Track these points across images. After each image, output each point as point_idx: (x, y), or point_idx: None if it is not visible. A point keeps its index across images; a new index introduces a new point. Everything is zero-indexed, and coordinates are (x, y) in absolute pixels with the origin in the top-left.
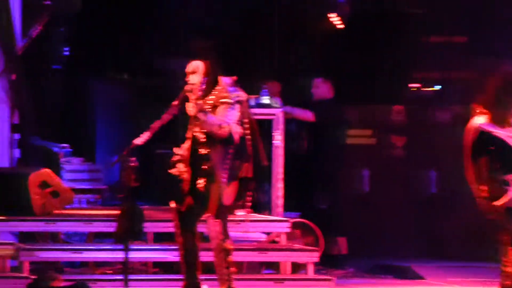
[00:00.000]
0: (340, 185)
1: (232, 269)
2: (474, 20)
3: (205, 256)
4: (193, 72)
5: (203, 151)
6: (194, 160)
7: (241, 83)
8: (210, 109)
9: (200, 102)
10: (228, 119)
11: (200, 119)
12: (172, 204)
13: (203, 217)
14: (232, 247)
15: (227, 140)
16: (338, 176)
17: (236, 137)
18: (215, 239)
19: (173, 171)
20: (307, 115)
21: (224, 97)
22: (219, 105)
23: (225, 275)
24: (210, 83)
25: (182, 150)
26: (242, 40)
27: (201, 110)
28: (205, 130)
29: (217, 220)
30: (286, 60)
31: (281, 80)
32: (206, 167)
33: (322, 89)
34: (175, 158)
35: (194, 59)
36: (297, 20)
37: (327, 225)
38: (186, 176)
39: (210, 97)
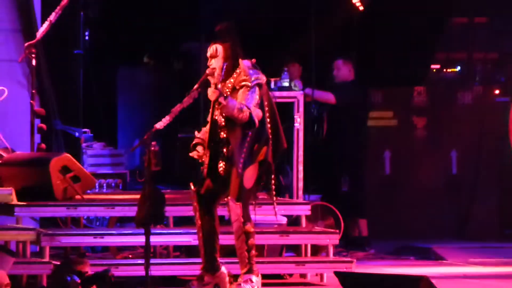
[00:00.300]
0: (362, 167)
1: (253, 252)
2: (496, 1)
3: (226, 240)
4: (214, 56)
5: (222, 134)
6: (214, 143)
7: (261, 66)
8: (230, 93)
9: (220, 86)
10: (248, 103)
11: (220, 103)
12: (192, 187)
13: (224, 200)
14: (253, 230)
15: (248, 123)
16: (360, 159)
17: (256, 120)
18: (236, 222)
19: (192, 154)
20: (329, 97)
21: (244, 80)
22: (238, 88)
23: (246, 258)
24: (230, 66)
25: (202, 134)
26: (262, 22)
27: (221, 94)
28: (226, 114)
29: (237, 203)
30: (308, 42)
31: (302, 62)
32: (225, 150)
33: (343, 71)
34: (195, 141)
35: (214, 42)
36: (317, 2)
37: (348, 208)
38: (205, 159)
39: (230, 80)
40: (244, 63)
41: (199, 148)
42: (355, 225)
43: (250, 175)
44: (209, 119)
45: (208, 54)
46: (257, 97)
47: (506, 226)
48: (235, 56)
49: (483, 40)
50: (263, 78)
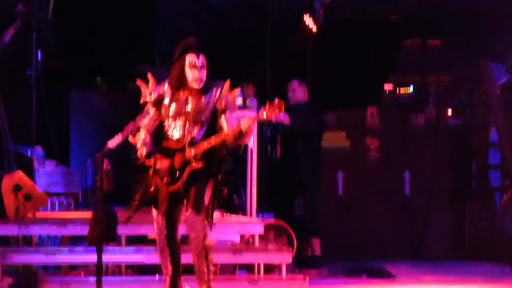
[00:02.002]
0: (316, 190)
1: (212, 267)
2: (449, 24)
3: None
4: (205, 66)
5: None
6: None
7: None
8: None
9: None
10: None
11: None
12: (154, 211)
13: (183, 215)
14: (212, 244)
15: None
16: (314, 181)
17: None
18: (195, 238)
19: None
20: (283, 119)
21: (225, 105)
22: (220, 111)
23: (205, 274)
24: (208, 82)
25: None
26: (217, 43)
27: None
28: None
29: (198, 216)
30: (263, 63)
31: (257, 84)
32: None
33: (298, 92)
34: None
35: (200, 53)
36: (272, 24)
37: (302, 227)
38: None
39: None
40: (227, 85)
41: (161, 157)
42: (307, 244)
43: (207, 190)
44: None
45: (199, 64)
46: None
47: (458, 249)
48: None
49: (437, 62)
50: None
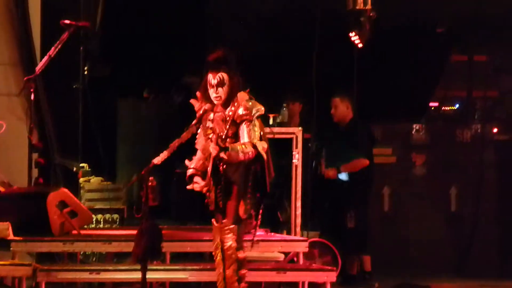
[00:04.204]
0: (367, 204)
1: (244, 284)
2: (496, 39)
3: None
4: (221, 85)
5: (225, 168)
6: (216, 175)
7: (258, 100)
8: (229, 125)
9: (220, 143)
10: (252, 138)
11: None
12: (214, 223)
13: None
14: (245, 258)
15: (254, 159)
16: (366, 194)
17: (264, 154)
18: (228, 249)
19: (192, 186)
20: (362, 163)
21: (244, 115)
22: (239, 123)
23: None
24: (233, 95)
25: (195, 163)
26: (262, 57)
27: (222, 149)
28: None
29: (232, 226)
30: (308, 79)
31: (301, 99)
32: (223, 182)
33: (341, 109)
34: (191, 172)
35: (218, 70)
36: (318, 39)
37: (353, 244)
38: (211, 192)
39: (229, 113)
40: (241, 96)
41: (197, 179)
42: (352, 262)
43: (242, 204)
44: (198, 147)
45: (214, 83)
46: (258, 129)
47: (506, 265)
48: (238, 85)
49: (483, 77)
50: (262, 109)
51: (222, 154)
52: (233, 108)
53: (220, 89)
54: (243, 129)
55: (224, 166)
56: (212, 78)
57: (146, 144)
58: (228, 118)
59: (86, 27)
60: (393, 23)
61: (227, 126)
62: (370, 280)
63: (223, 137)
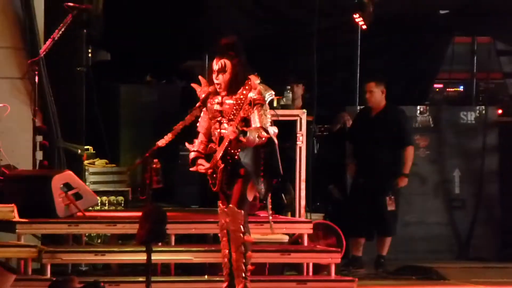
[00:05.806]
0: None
1: (250, 266)
2: (499, 20)
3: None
4: (222, 71)
5: (236, 152)
6: (225, 159)
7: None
8: (247, 107)
9: (239, 126)
10: (265, 123)
11: (241, 141)
12: (220, 205)
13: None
14: (252, 241)
15: (266, 143)
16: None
17: (275, 139)
18: (235, 231)
19: (196, 168)
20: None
21: (258, 99)
22: (253, 105)
23: (243, 271)
24: (238, 82)
25: (197, 146)
26: (264, 39)
27: (241, 133)
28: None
29: (239, 210)
30: (310, 60)
31: (304, 80)
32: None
33: (376, 94)
34: (194, 155)
35: (221, 57)
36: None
37: (391, 226)
38: (218, 172)
39: (240, 96)
40: (253, 79)
41: (202, 161)
42: (358, 244)
43: (251, 188)
44: (200, 130)
45: (216, 69)
46: (269, 115)
47: (508, 245)
48: (243, 72)
49: (486, 59)
50: (273, 94)
51: (241, 137)
52: (244, 92)
53: (220, 75)
54: (255, 113)
55: (239, 150)
56: (215, 63)
57: (149, 127)
58: (239, 102)
59: (89, 10)
60: (397, 5)
61: (245, 109)
62: (384, 265)
63: (239, 120)
